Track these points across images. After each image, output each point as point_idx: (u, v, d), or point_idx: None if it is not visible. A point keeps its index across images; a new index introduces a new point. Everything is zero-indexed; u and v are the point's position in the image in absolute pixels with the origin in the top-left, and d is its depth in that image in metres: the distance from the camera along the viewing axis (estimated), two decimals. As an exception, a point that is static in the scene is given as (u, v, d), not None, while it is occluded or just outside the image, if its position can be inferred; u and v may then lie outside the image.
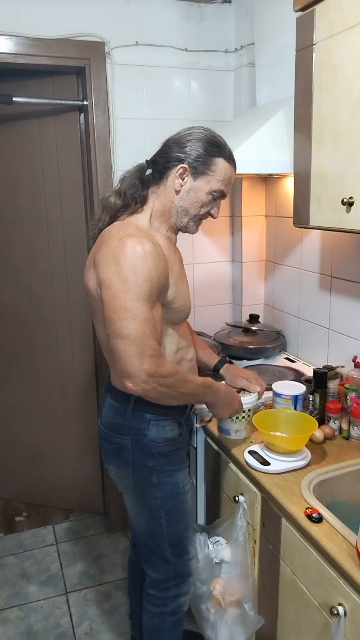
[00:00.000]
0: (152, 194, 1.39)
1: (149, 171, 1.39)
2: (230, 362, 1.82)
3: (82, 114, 2.21)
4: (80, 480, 2.67)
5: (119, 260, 1.23)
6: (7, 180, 2.38)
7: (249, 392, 1.62)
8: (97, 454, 2.60)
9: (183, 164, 1.34)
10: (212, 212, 1.42)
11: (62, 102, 2.15)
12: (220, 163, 1.36)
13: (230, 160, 1.38)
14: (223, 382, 1.62)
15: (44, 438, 2.66)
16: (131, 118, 2.18)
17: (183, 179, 1.35)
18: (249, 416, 1.60)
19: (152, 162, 1.39)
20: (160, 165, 1.37)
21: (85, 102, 2.12)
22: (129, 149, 2.18)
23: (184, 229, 1.43)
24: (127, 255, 1.23)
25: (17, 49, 1.97)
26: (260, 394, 1.64)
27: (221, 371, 1.70)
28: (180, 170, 1.34)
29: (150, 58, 2.17)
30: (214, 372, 1.71)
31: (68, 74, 2.17)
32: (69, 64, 2.06)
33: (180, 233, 1.46)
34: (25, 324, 2.53)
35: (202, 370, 1.69)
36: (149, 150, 1.44)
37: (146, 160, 1.41)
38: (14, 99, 2.05)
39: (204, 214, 1.41)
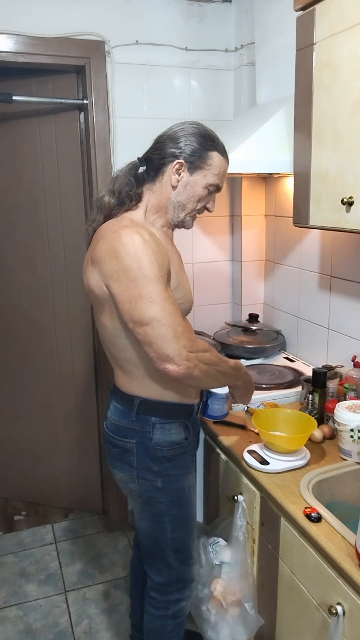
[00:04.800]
0: (147, 190, 1.37)
1: (142, 168, 1.38)
2: None
3: (82, 113, 2.21)
4: (79, 479, 2.67)
5: (119, 252, 1.21)
6: (6, 179, 2.37)
7: None
8: (97, 453, 2.60)
9: (179, 159, 1.33)
10: (209, 205, 1.43)
11: (62, 100, 2.14)
12: (215, 157, 1.36)
13: (224, 153, 1.39)
14: None
15: (43, 437, 2.66)
16: (131, 117, 2.18)
17: (179, 174, 1.34)
18: None
19: (146, 160, 1.38)
20: (155, 162, 1.36)
21: (85, 101, 2.12)
22: (128, 148, 2.18)
23: (181, 224, 1.42)
24: (126, 245, 1.21)
25: (17, 47, 1.97)
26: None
27: None
28: (177, 166, 1.33)
29: (150, 57, 2.16)
30: None
31: (68, 73, 2.17)
32: (69, 63, 2.06)
33: (177, 231, 1.46)
34: (25, 323, 2.53)
35: None
36: (149, 149, 1.43)
37: (138, 158, 1.40)
38: (13, 97, 2.05)
39: (201, 208, 1.42)
